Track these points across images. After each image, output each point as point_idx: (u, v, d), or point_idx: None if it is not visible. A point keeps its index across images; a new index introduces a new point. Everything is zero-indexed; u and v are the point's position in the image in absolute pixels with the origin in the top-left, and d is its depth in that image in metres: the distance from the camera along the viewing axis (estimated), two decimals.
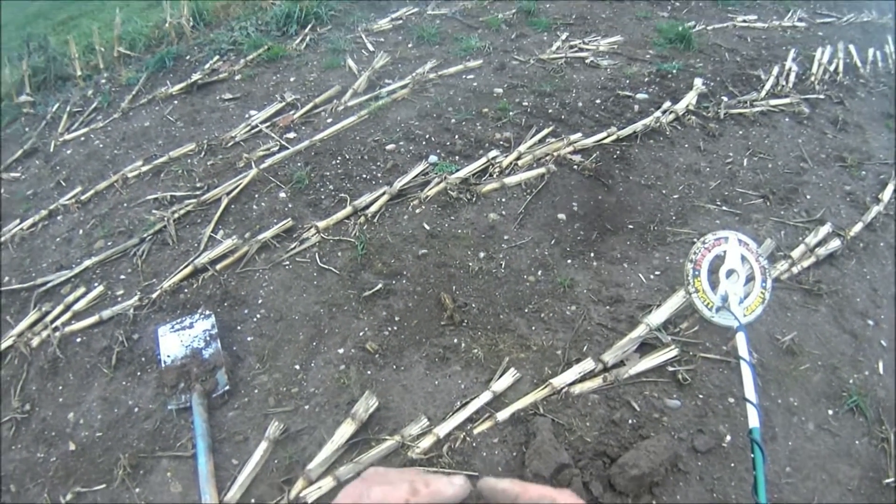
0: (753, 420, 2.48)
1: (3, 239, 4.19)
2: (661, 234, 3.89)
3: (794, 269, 3.68)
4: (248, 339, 3.30)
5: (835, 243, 3.83)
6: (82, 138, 5.26)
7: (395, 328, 3.30)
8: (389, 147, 4.61)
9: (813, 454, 2.83)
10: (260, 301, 3.49)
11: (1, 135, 5.58)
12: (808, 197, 4.30)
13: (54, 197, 4.55)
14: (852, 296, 3.62)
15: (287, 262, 3.71)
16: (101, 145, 5.11)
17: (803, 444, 2.87)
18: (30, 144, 5.27)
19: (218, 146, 4.81)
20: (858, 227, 4.05)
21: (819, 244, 3.84)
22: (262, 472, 2.71)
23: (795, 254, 3.75)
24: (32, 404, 3.13)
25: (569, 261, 3.70)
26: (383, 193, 4.10)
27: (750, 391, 2.59)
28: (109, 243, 3.98)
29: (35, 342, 3.39)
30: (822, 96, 5.59)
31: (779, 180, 4.44)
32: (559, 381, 2.94)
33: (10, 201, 4.64)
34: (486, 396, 2.90)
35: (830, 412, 3.01)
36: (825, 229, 3.94)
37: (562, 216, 3.97)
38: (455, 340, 3.22)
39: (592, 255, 3.74)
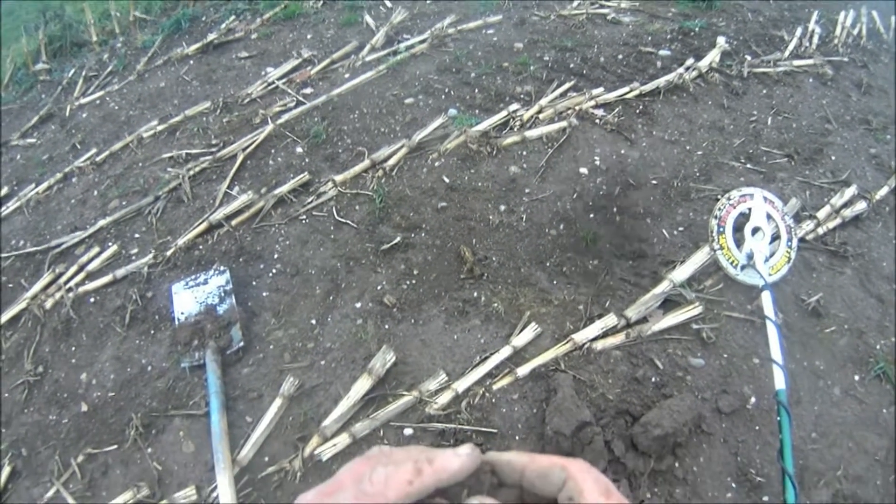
0: (780, 382, 2.40)
1: (18, 204, 4.17)
2: (685, 190, 3.75)
3: (820, 230, 3.54)
4: (264, 294, 3.25)
5: (860, 205, 3.67)
6: (98, 101, 5.22)
7: (414, 282, 3.23)
8: (408, 101, 4.50)
9: (839, 420, 2.73)
10: (276, 256, 3.43)
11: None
12: (833, 158, 4.13)
13: (69, 160, 4.52)
14: (878, 259, 3.47)
15: (304, 217, 3.64)
16: (116, 107, 5.06)
17: (829, 409, 2.76)
18: (45, 110, 5.24)
19: (234, 103, 4.73)
20: (884, 190, 3.87)
21: (845, 206, 3.68)
22: (276, 430, 2.68)
23: (821, 214, 3.60)
24: (45, 367, 3.11)
25: (591, 215, 3.58)
26: (402, 147, 4.00)
27: (776, 352, 2.50)
28: (124, 203, 3.94)
29: (49, 304, 3.37)
30: (845, 59, 5.34)
31: (803, 140, 4.26)
32: (581, 336, 2.86)
33: (26, 166, 4.62)
34: (506, 351, 2.83)
35: (857, 378, 2.89)
36: (851, 191, 3.77)
37: (584, 170, 3.85)
38: (475, 294, 3.14)
39: (615, 209, 3.62)
